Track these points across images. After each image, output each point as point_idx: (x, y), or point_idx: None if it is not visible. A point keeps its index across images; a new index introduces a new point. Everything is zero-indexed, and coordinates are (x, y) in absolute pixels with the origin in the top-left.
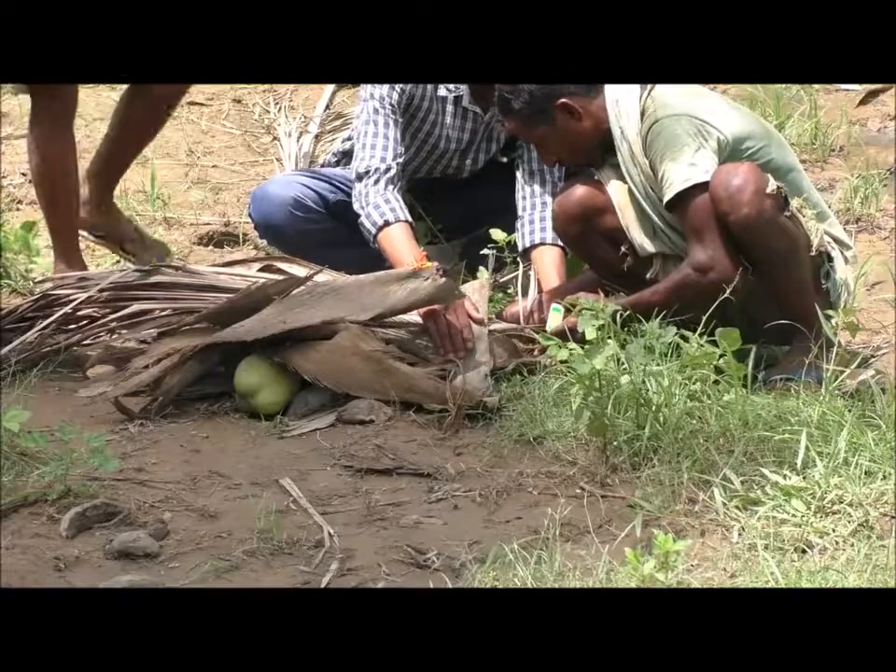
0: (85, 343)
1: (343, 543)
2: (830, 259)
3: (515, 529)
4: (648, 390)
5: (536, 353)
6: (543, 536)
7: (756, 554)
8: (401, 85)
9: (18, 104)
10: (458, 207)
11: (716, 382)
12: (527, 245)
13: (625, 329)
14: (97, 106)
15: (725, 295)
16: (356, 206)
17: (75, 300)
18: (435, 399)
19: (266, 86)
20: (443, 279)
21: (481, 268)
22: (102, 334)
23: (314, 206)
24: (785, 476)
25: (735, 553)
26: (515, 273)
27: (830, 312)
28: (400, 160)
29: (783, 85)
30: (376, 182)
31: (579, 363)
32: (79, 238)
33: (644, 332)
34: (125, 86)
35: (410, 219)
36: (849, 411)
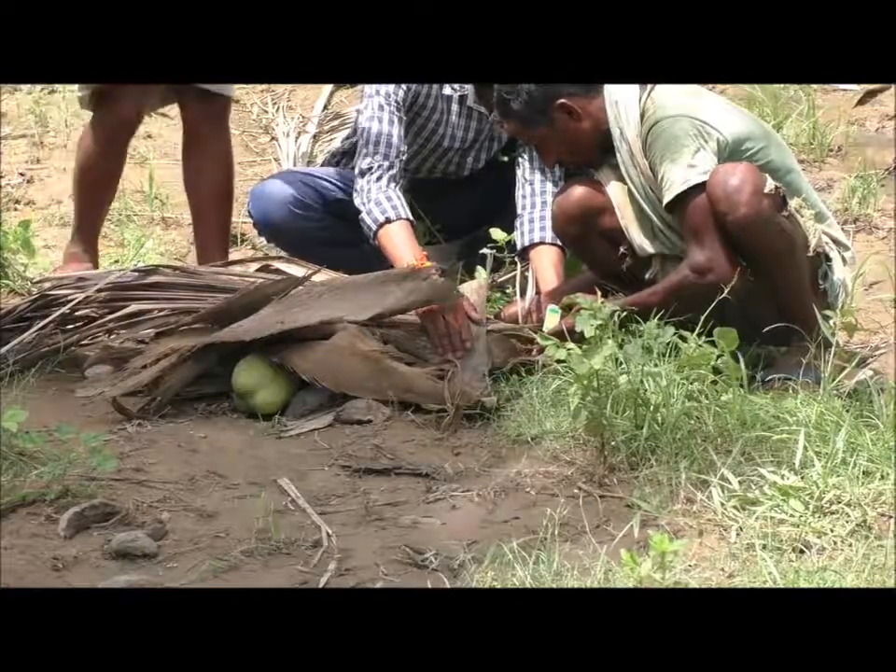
0: (83, 343)
1: (341, 543)
2: (828, 259)
3: (513, 529)
4: (646, 390)
5: (534, 353)
6: (541, 536)
7: (754, 554)
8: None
9: (16, 103)
10: (458, 207)
11: (714, 382)
12: (526, 243)
13: (623, 329)
14: None
15: (723, 295)
16: (357, 202)
17: (73, 300)
18: (433, 398)
19: (264, 86)
20: (442, 279)
21: (479, 268)
22: (100, 334)
23: (313, 205)
24: (783, 476)
25: (732, 553)
26: (513, 273)
27: (828, 312)
28: (403, 157)
29: (781, 85)
30: (378, 178)
31: (577, 363)
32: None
33: (642, 332)
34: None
35: (411, 217)
36: (847, 411)
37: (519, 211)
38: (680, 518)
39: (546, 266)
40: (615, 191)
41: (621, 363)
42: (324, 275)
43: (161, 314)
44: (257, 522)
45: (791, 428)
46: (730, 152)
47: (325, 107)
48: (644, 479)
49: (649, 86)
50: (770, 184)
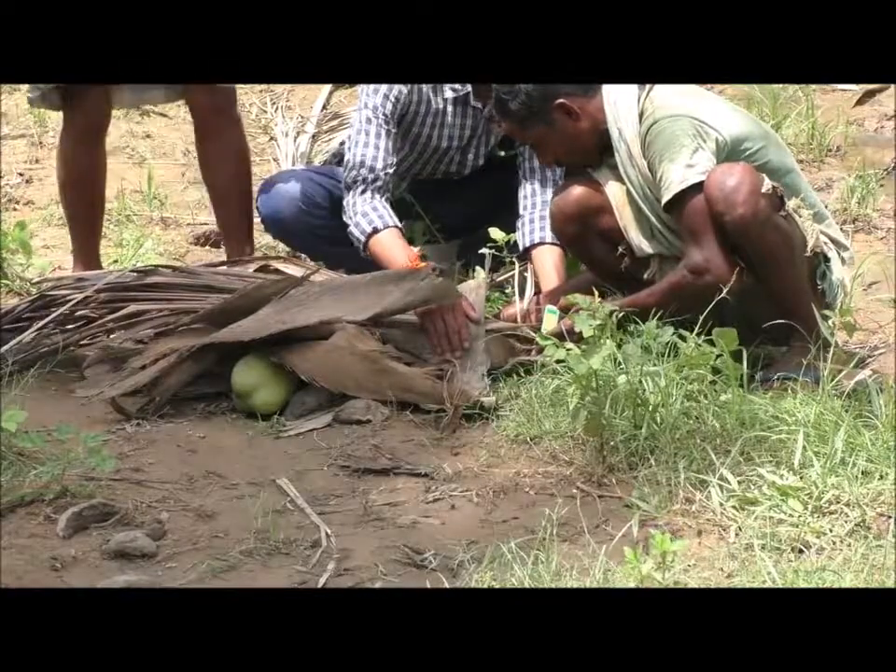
0: (82, 343)
1: (339, 543)
2: (826, 259)
3: (512, 529)
4: (645, 390)
5: (533, 353)
6: (540, 536)
7: (753, 554)
8: (395, 94)
9: (15, 104)
10: (457, 207)
11: (713, 382)
12: (527, 244)
13: (622, 329)
14: None
15: (721, 296)
16: (344, 217)
17: (72, 300)
18: (432, 398)
19: (263, 86)
20: (440, 279)
21: (478, 268)
22: (99, 334)
23: (322, 203)
24: (782, 476)
25: (731, 553)
26: (512, 273)
27: (827, 312)
28: (390, 170)
29: (780, 85)
30: (363, 192)
31: (576, 363)
32: (100, 246)
33: (641, 332)
34: None
35: (398, 224)
36: (846, 411)
37: (520, 211)
38: (679, 518)
39: (547, 266)
40: (614, 191)
41: (620, 363)
42: (322, 275)
43: (160, 314)
44: (256, 522)
45: (789, 428)
46: (729, 152)
47: (324, 107)
48: (643, 479)
49: (647, 86)
50: (767, 184)
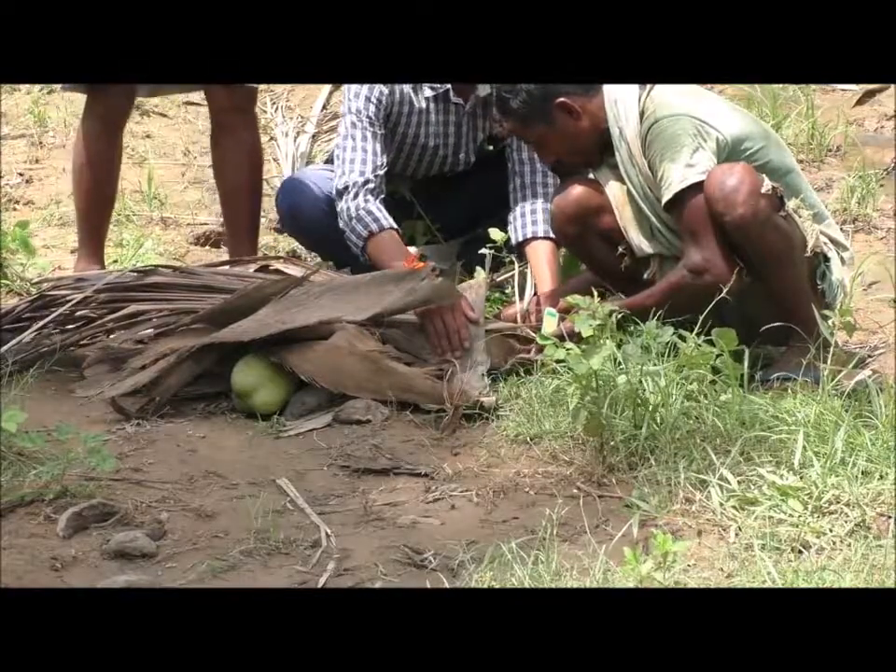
0: (82, 343)
1: (339, 543)
2: (826, 259)
3: (512, 529)
4: (645, 390)
5: (532, 353)
6: (540, 536)
7: (753, 554)
8: (377, 96)
9: (15, 103)
10: (456, 207)
11: (713, 382)
12: (519, 238)
13: (622, 329)
14: None
15: (721, 296)
16: (340, 224)
17: (72, 300)
18: (432, 398)
19: (263, 86)
20: (440, 279)
21: (478, 268)
22: (99, 334)
23: None
24: (782, 476)
25: (731, 553)
26: (512, 273)
27: (827, 312)
28: (381, 171)
29: (780, 85)
30: (356, 196)
31: (576, 363)
32: (105, 242)
33: (641, 332)
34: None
35: (395, 226)
36: (846, 411)
37: (511, 205)
38: (679, 518)
39: (540, 262)
40: (614, 191)
41: (619, 363)
42: (322, 275)
43: (160, 314)
44: (255, 522)
45: (789, 428)
46: (729, 152)
47: (323, 107)
48: (643, 479)
49: (648, 85)
50: (767, 184)
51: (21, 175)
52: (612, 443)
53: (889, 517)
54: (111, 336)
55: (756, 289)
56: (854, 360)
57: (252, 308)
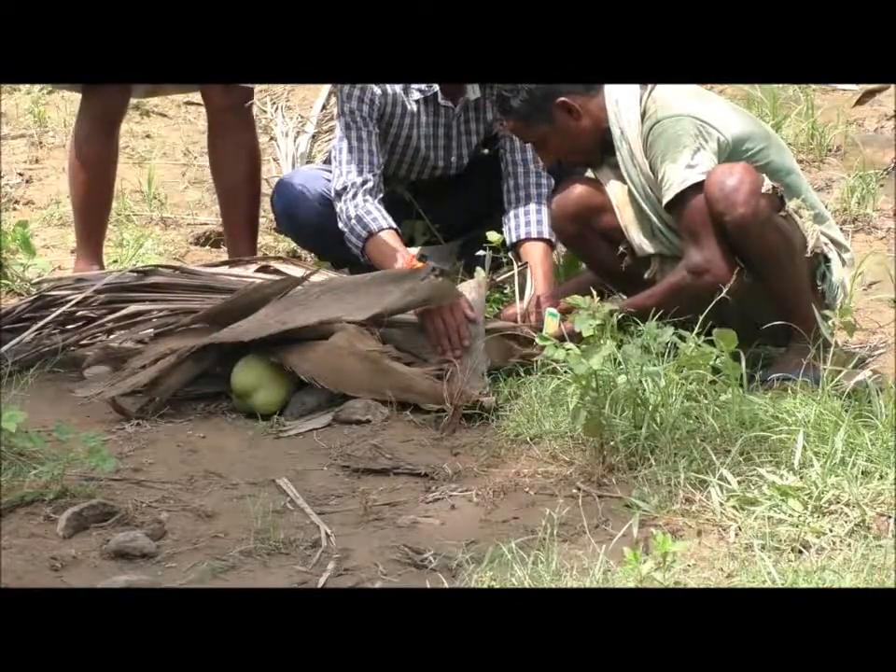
0: (82, 343)
1: (339, 543)
2: (827, 260)
3: (512, 529)
4: (645, 390)
5: (532, 353)
6: (540, 536)
7: (753, 554)
8: (370, 96)
9: (15, 104)
10: (455, 207)
11: (713, 382)
12: (514, 239)
13: (622, 330)
14: None
15: (721, 296)
16: (340, 225)
17: (72, 300)
18: (432, 398)
19: (263, 86)
20: (440, 279)
21: (477, 268)
22: (99, 334)
23: None
24: (782, 476)
25: (731, 553)
26: (512, 273)
27: (827, 312)
28: (378, 170)
29: (780, 85)
30: (354, 196)
31: (575, 363)
32: (104, 242)
33: (641, 332)
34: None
35: (394, 226)
36: (846, 411)
37: (505, 206)
38: (679, 518)
39: (533, 262)
40: (615, 191)
41: (619, 363)
42: (322, 275)
43: (160, 314)
44: (255, 522)
45: (789, 428)
46: (730, 152)
47: (323, 107)
48: (643, 479)
49: (650, 85)
50: (767, 184)
51: (20, 175)
52: (612, 443)
53: (889, 517)
54: (111, 336)
55: (756, 289)
56: (854, 360)
57: (252, 308)
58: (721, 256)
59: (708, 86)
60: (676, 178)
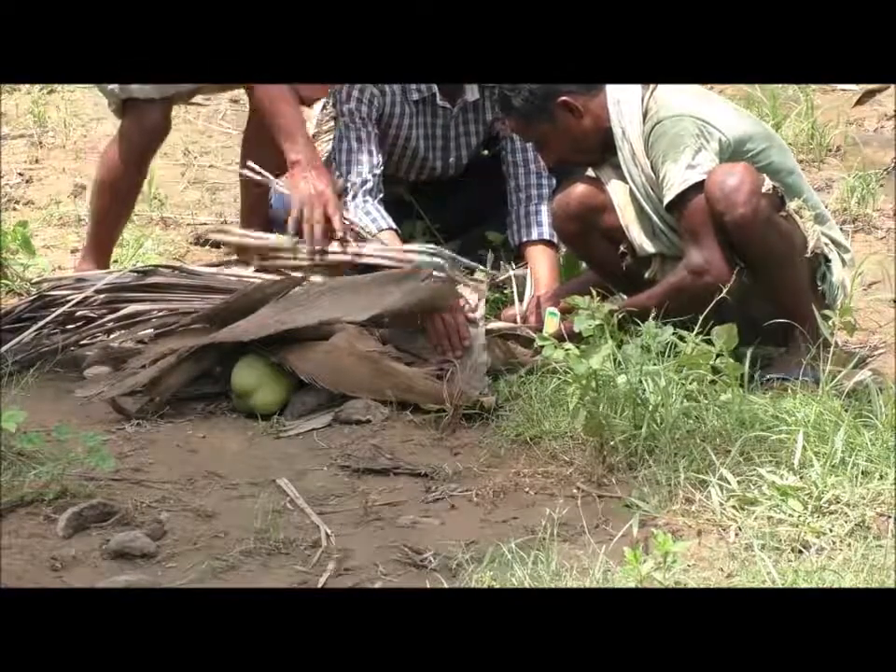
0: (82, 343)
1: (339, 543)
2: (827, 260)
3: (512, 529)
4: (644, 390)
5: (532, 353)
6: (540, 536)
7: (753, 554)
8: (368, 97)
9: (15, 104)
10: (457, 207)
11: (713, 382)
12: (518, 241)
13: (622, 330)
14: (95, 106)
15: (721, 296)
16: None
17: (72, 300)
18: (432, 399)
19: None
20: (441, 282)
21: (478, 268)
22: (99, 334)
23: None
24: (782, 476)
25: (731, 553)
26: (511, 274)
27: (827, 312)
28: (378, 170)
29: (780, 85)
30: (354, 197)
31: (575, 363)
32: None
33: (641, 332)
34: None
35: (394, 226)
36: (846, 411)
37: (508, 208)
38: (679, 518)
39: (539, 266)
40: (616, 190)
41: (619, 363)
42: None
43: (160, 314)
44: (256, 522)
45: (789, 428)
46: (732, 153)
47: (324, 107)
48: (643, 479)
49: (651, 85)
50: (768, 184)
51: (20, 174)
52: (612, 443)
53: (889, 517)
54: (111, 336)
55: (756, 290)
56: (854, 360)
57: (252, 308)
58: (721, 256)
59: (708, 86)
60: (677, 178)
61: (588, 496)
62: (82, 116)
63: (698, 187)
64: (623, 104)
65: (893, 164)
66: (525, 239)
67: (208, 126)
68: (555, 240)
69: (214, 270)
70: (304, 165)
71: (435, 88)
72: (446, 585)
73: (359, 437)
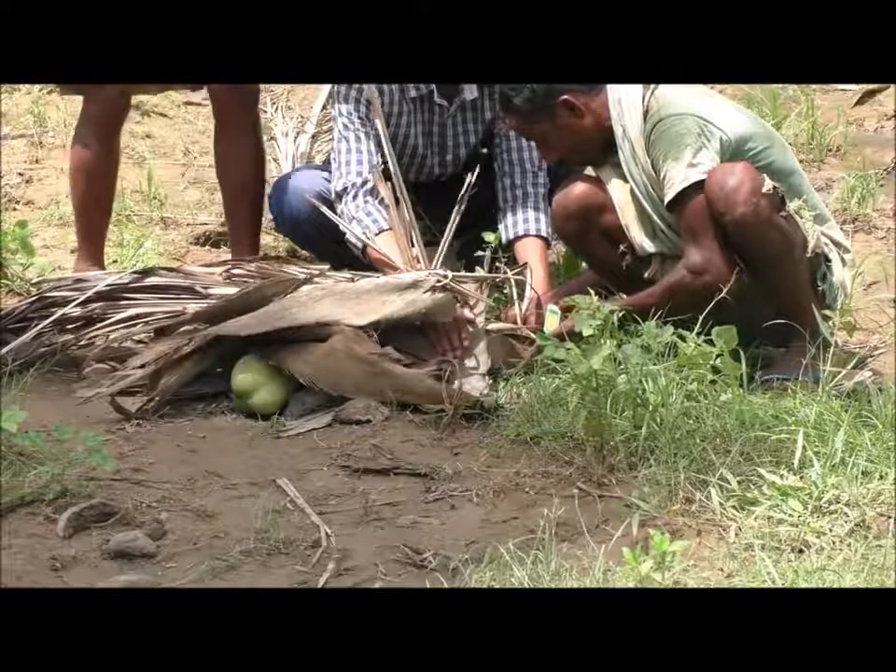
0: (82, 343)
1: (339, 543)
2: (827, 260)
3: (512, 529)
4: (644, 390)
5: (532, 354)
6: (540, 536)
7: (753, 554)
8: (366, 97)
9: (15, 104)
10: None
11: (713, 382)
12: (510, 237)
13: (622, 329)
14: None
15: (721, 296)
16: (341, 226)
17: (71, 301)
18: (431, 400)
19: (263, 86)
20: (442, 294)
21: (478, 268)
22: (99, 335)
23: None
24: (782, 476)
25: (731, 553)
26: (509, 274)
27: (827, 312)
28: (379, 169)
29: (780, 85)
30: (354, 197)
31: (576, 363)
32: (105, 244)
33: (641, 332)
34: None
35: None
36: (846, 411)
37: (500, 205)
38: (679, 518)
39: (530, 259)
40: (616, 190)
41: (619, 363)
42: (326, 278)
43: (160, 315)
44: (256, 522)
45: (789, 428)
46: (733, 152)
47: (323, 107)
48: (643, 479)
49: (652, 84)
50: (768, 184)
51: (20, 174)
52: (612, 443)
53: (889, 517)
54: (111, 336)
55: (756, 290)
56: (854, 360)
57: (252, 308)
58: (720, 256)
59: (708, 86)
60: (677, 177)
61: (588, 496)
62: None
63: (699, 186)
64: (625, 103)
65: (893, 164)
66: (518, 234)
67: (208, 126)
68: (547, 235)
69: (213, 270)
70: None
71: (433, 85)
72: (446, 585)
73: (359, 437)
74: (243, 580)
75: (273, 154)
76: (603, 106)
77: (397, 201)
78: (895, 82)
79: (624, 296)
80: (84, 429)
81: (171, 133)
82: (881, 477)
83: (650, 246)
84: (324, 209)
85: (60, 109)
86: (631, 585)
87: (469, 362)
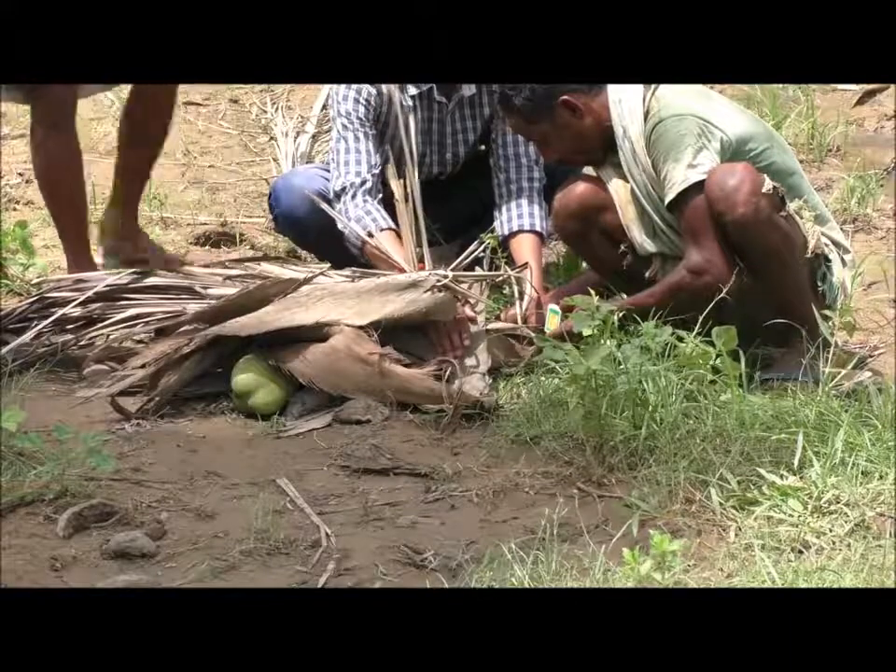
0: (82, 343)
1: (339, 543)
2: (827, 260)
3: (512, 529)
4: (644, 390)
5: (531, 354)
6: (540, 536)
7: (753, 554)
8: (365, 97)
9: (15, 104)
10: (457, 207)
11: (712, 382)
12: (505, 233)
13: (622, 329)
14: (93, 107)
15: (721, 296)
16: (339, 226)
17: (71, 301)
18: (431, 400)
19: (263, 86)
20: (442, 294)
21: (478, 268)
22: (99, 335)
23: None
24: (782, 476)
25: (731, 553)
26: (510, 273)
27: (827, 312)
28: (376, 170)
29: (780, 85)
30: (353, 197)
31: (575, 363)
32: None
33: (640, 332)
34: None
35: (393, 226)
36: (846, 411)
37: (496, 200)
38: (679, 518)
39: (525, 254)
40: (617, 189)
41: (619, 363)
42: (323, 278)
43: (160, 315)
44: (255, 522)
45: (789, 428)
46: (733, 152)
47: (323, 107)
48: (643, 479)
49: (653, 85)
50: (768, 184)
51: (20, 175)
52: (612, 443)
53: (889, 517)
54: (111, 336)
55: (756, 290)
56: (854, 360)
57: (252, 308)
58: (720, 256)
59: (708, 86)
60: (678, 177)
61: (588, 496)
62: (82, 116)
63: (699, 186)
64: (625, 103)
65: (893, 164)
66: (513, 230)
67: (208, 126)
68: (542, 230)
69: (212, 271)
70: None
71: (432, 83)
72: (446, 585)
73: (359, 437)
74: (243, 580)
75: (273, 154)
76: (603, 107)
77: (406, 199)
78: (895, 82)
79: (625, 296)
80: (84, 429)
81: (171, 133)
82: (881, 477)
83: (650, 246)
84: (324, 206)
85: None
86: (631, 585)
87: (469, 362)
